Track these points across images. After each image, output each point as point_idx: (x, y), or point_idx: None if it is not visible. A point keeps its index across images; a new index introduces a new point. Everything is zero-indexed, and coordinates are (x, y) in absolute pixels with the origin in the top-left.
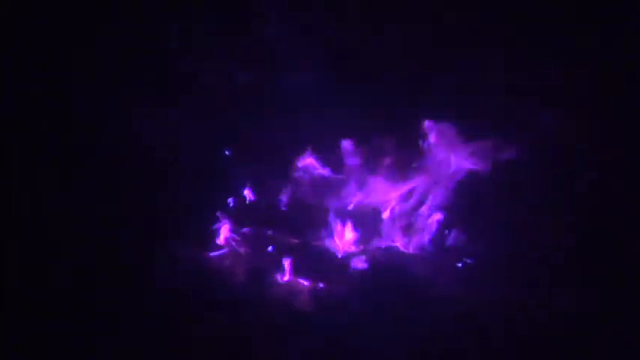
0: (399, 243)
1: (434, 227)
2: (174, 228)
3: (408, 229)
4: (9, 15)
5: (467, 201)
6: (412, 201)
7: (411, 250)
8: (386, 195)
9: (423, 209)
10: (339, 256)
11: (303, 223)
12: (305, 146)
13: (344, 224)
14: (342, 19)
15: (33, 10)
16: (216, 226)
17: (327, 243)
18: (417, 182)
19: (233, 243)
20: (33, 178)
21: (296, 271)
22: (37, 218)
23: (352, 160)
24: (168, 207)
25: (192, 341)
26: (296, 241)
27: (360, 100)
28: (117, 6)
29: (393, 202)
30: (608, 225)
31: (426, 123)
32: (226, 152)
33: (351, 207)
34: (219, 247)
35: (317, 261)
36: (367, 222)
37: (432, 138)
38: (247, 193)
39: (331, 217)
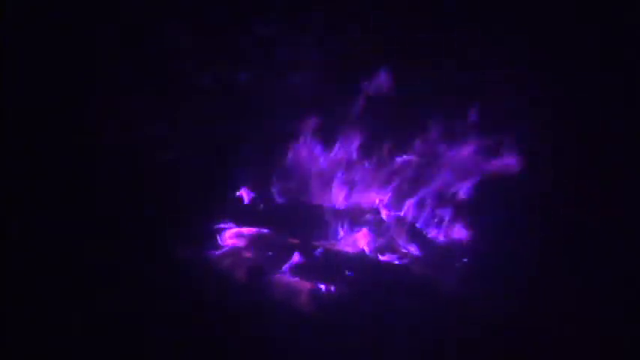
0: (400, 243)
1: (436, 227)
2: (174, 228)
3: (409, 230)
4: (9, 14)
5: (470, 202)
6: (415, 202)
7: (412, 250)
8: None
9: (427, 210)
10: (340, 256)
11: (304, 222)
12: (306, 146)
13: (345, 225)
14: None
15: (33, 9)
16: (216, 226)
17: (328, 243)
18: (421, 183)
19: (233, 243)
20: (33, 179)
21: (296, 271)
22: (37, 218)
23: (355, 161)
24: (168, 207)
25: (191, 341)
26: (296, 241)
27: (364, 101)
28: (117, 6)
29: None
30: (608, 225)
31: (432, 124)
32: (226, 152)
33: (353, 207)
34: (220, 247)
35: (317, 261)
36: (369, 222)
37: (437, 138)
38: (248, 192)
39: (333, 217)
